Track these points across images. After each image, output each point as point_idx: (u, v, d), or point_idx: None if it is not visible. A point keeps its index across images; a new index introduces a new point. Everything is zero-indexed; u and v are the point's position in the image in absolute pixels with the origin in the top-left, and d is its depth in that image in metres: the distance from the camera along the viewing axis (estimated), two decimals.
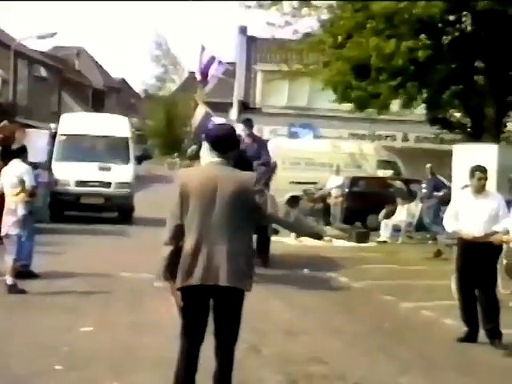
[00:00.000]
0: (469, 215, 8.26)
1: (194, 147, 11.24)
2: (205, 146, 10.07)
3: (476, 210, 8.20)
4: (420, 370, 7.20)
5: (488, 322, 8.23)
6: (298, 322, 9.03)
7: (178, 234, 4.95)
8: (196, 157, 10.99)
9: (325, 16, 21.59)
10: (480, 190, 8.26)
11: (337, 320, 9.29)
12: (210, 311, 4.98)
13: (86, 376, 6.43)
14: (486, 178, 8.29)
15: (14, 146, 11.59)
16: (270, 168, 12.64)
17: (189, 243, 4.92)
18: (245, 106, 33.02)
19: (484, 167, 8.41)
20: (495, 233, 8.08)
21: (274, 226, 11.01)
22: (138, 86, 79.70)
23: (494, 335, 8.19)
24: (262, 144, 13.11)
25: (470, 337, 8.33)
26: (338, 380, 6.67)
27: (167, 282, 4.97)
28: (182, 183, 5.03)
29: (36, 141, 18.23)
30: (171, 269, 4.94)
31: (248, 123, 12.88)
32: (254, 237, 9.08)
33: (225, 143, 5.10)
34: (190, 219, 4.94)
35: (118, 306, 9.39)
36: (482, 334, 8.33)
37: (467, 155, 15.41)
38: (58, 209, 19.42)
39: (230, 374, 5.02)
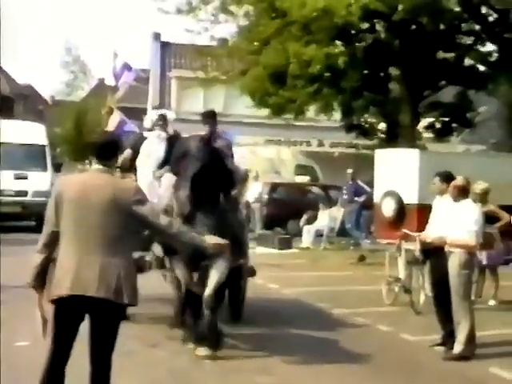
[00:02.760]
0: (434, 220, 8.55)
1: (126, 153, 9.40)
2: (142, 153, 9.40)
3: (439, 214, 8.42)
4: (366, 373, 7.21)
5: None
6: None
7: (52, 242, 4.86)
8: (130, 167, 9.37)
9: (243, 22, 21.59)
10: (437, 194, 8.60)
11: (274, 330, 9.20)
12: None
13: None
14: (439, 183, 8.52)
15: None
16: None
17: (62, 252, 4.80)
18: (164, 119, 32.63)
19: (442, 172, 8.57)
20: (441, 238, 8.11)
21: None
22: (45, 92, 78.00)
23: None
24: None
25: (445, 342, 8.35)
26: None
27: (35, 292, 4.90)
28: (59, 190, 4.91)
29: None
30: (41, 278, 4.88)
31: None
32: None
33: (106, 150, 4.98)
34: (65, 227, 4.81)
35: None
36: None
37: (389, 160, 15.66)
38: None
39: (107, 379, 4.85)
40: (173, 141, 8.95)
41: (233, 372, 7.26)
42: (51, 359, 4.87)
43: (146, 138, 9.62)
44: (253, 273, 9.96)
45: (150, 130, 9.74)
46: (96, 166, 4.96)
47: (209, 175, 7.57)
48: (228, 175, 8.03)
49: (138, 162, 9.36)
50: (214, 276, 7.70)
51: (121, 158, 8.88)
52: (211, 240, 5.50)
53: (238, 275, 9.07)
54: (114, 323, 4.83)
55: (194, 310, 7.92)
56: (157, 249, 8.40)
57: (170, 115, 10.08)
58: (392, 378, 7.30)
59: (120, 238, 4.81)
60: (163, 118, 9.65)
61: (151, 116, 10.05)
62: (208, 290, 7.69)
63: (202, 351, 7.59)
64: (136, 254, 7.81)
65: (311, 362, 7.64)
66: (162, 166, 9.09)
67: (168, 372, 7.21)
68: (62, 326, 4.82)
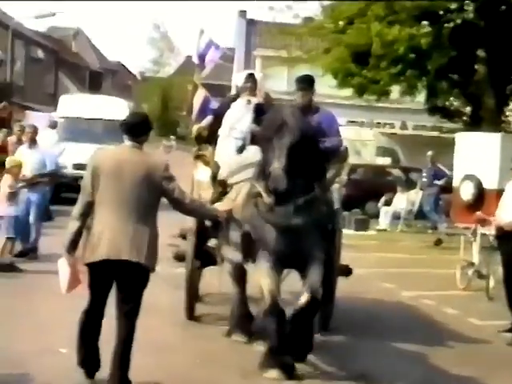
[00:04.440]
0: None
1: (206, 121, 8.19)
2: (226, 122, 7.59)
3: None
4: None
5: None
6: None
7: (88, 211, 5.38)
8: (209, 137, 7.94)
9: (326, 1, 21.46)
10: None
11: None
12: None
13: None
14: None
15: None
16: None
17: (97, 220, 5.32)
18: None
19: None
20: None
21: None
22: (134, 69, 79.36)
23: None
24: None
25: None
26: None
27: (70, 256, 5.43)
28: (95, 164, 5.40)
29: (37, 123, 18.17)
30: (76, 243, 5.43)
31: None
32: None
33: (137, 128, 5.48)
34: (100, 197, 5.30)
35: None
36: None
37: (470, 144, 15.36)
38: (56, 191, 19.33)
39: (129, 347, 5.33)
40: (264, 108, 6.90)
41: None
42: (88, 315, 5.47)
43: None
44: (348, 272, 8.47)
45: (235, 97, 7.95)
46: (127, 142, 5.47)
47: (305, 151, 6.16)
48: (321, 156, 6.56)
49: (221, 133, 7.64)
50: (311, 284, 6.30)
51: (195, 128, 8.13)
52: (221, 207, 5.98)
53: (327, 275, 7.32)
54: (140, 285, 5.35)
55: (278, 326, 6.24)
56: (230, 251, 7.11)
57: (259, 75, 8.14)
58: (450, 360, 7.24)
59: (149, 208, 5.36)
60: (253, 79, 7.77)
61: (238, 79, 8.26)
62: (303, 303, 6.25)
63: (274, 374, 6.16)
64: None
65: (371, 338, 7.69)
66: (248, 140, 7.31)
67: None
68: (97, 286, 5.39)
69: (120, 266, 5.26)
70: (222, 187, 7.09)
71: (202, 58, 22.89)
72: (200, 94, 19.39)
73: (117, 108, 21.46)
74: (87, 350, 5.52)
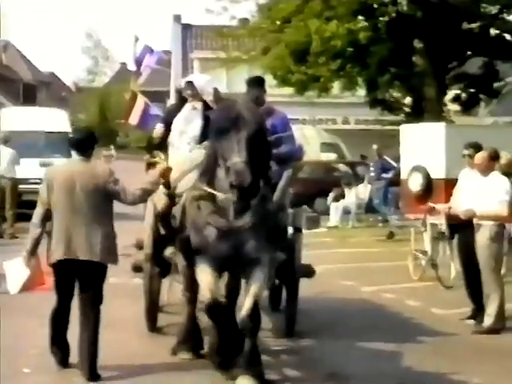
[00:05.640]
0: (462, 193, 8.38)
1: (155, 132, 7.91)
2: (174, 129, 7.53)
3: (467, 187, 8.28)
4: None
5: None
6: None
7: (46, 218, 6.22)
8: (160, 145, 7.73)
9: (263, 1, 21.41)
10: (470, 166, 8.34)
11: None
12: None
13: (55, 379, 6.27)
14: (469, 155, 8.32)
15: None
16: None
17: (55, 225, 6.17)
18: (181, 95, 32.65)
19: (469, 143, 8.43)
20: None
21: None
22: (68, 79, 78.24)
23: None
24: None
25: (475, 315, 8.29)
26: None
27: (30, 257, 6.26)
28: (49, 177, 6.32)
29: None
30: (36, 246, 6.26)
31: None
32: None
33: (83, 144, 6.35)
34: (56, 206, 6.17)
35: None
36: None
37: (415, 135, 15.46)
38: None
39: (95, 334, 6.15)
40: (211, 110, 6.74)
41: None
42: (56, 311, 6.31)
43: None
44: (310, 272, 8.21)
45: (181, 103, 7.80)
46: (75, 156, 6.37)
47: (257, 146, 5.85)
48: (268, 152, 6.26)
49: (170, 140, 7.55)
50: (253, 290, 6.05)
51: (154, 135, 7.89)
52: (153, 174, 6.62)
53: (287, 276, 7.55)
54: (98, 279, 6.21)
55: (219, 326, 6.24)
56: (172, 253, 7.05)
57: (205, 79, 8.03)
58: (423, 353, 7.22)
59: (100, 211, 6.20)
60: (192, 86, 7.57)
61: (177, 87, 8.22)
62: (245, 310, 6.02)
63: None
64: None
65: (339, 338, 7.63)
66: (200, 143, 7.12)
67: None
68: (60, 284, 6.25)
69: (77, 265, 6.12)
70: (171, 199, 6.83)
71: (138, 64, 22.62)
72: (140, 102, 19.09)
73: (57, 119, 21.08)
74: (58, 342, 6.32)
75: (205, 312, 6.24)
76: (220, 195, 5.93)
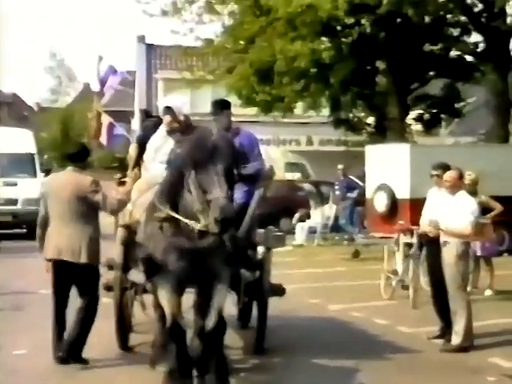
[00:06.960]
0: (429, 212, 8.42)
1: (131, 150, 8.04)
2: (150, 147, 7.60)
3: (434, 206, 8.34)
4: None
5: None
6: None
7: (44, 221, 7.19)
8: (136, 162, 7.84)
9: (228, 22, 21.53)
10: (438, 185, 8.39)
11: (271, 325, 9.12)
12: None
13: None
14: (437, 175, 8.36)
15: None
16: None
17: (49, 228, 7.11)
18: (147, 115, 32.44)
19: (438, 164, 8.48)
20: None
21: None
22: (31, 99, 77.55)
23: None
24: None
25: (443, 334, 8.30)
26: None
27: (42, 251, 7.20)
28: (45, 187, 7.46)
29: None
30: (42, 243, 7.19)
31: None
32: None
33: (78, 156, 7.22)
34: (51, 210, 7.12)
35: (47, 325, 8.80)
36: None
37: (380, 156, 15.64)
38: None
39: (91, 316, 7.07)
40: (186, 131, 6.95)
41: None
42: (54, 303, 7.14)
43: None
44: (281, 291, 8.23)
45: (156, 124, 7.85)
46: (69, 167, 7.19)
47: (231, 174, 5.91)
48: (233, 175, 6.10)
49: (146, 157, 7.64)
50: (216, 302, 6.19)
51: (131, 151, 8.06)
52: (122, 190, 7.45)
53: (257, 294, 7.64)
54: (89, 277, 7.02)
55: (179, 347, 6.18)
56: (135, 274, 7.05)
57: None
58: (389, 370, 7.23)
59: (85, 217, 7.02)
60: (171, 112, 7.52)
61: (142, 108, 8.31)
62: (211, 321, 6.12)
63: None
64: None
65: (307, 355, 7.61)
66: None
67: None
68: (56, 278, 7.11)
69: (70, 267, 6.94)
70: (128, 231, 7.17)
71: (101, 84, 22.52)
72: (105, 122, 18.94)
73: (23, 140, 20.82)
74: (58, 340, 7.07)
75: (166, 336, 6.32)
76: (192, 223, 5.83)
